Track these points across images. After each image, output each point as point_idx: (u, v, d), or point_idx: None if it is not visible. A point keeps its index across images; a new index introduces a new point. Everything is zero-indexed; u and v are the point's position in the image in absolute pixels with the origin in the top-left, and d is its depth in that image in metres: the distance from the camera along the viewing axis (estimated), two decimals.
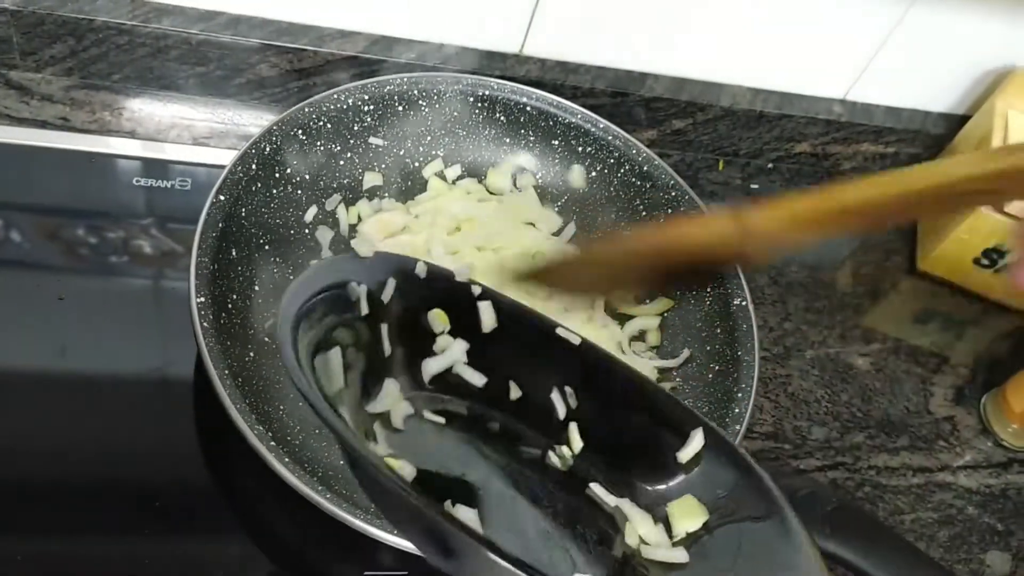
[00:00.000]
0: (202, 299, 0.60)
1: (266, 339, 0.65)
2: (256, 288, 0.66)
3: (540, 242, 0.76)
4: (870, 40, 0.89)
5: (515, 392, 0.51)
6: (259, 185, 0.68)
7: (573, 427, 0.49)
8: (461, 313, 0.50)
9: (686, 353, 0.72)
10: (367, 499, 0.48)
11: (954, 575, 0.71)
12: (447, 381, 0.51)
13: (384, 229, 0.74)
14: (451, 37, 0.83)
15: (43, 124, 0.76)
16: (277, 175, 0.69)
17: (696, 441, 0.46)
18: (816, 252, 0.91)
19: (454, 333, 0.50)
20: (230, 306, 0.63)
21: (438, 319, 0.50)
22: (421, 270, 0.50)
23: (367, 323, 0.48)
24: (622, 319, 0.74)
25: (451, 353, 0.50)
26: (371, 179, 0.76)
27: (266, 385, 0.63)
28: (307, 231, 0.72)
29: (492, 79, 0.77)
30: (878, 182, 0.39)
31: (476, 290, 0.50)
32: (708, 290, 0.73)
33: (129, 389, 0.65)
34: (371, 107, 0.74)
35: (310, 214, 0.72)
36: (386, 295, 0.49)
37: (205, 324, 0.59)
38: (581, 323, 0.71)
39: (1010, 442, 0.81)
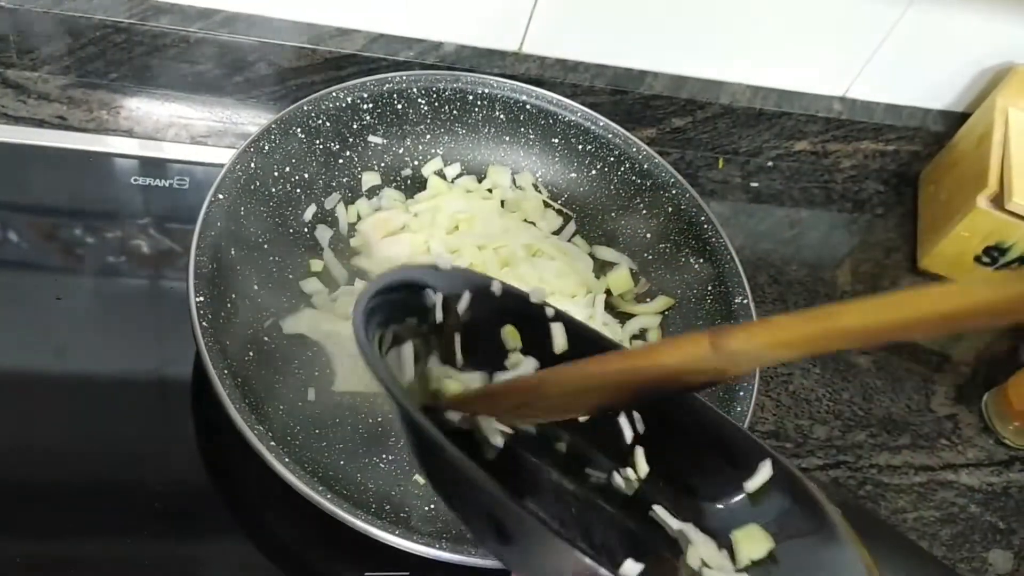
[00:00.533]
0: (201, 298, 0.59)
1: (265, 338, 0.65)
2: (255, 287, 0.66)
3: (540, 240, 0.76)
4: (870, 37, 0.89)
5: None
6: (258, 184, 0.68)
7: (639, 451, 0.49)
8: (531, 333, 0.50)
9: None
10: (431, 482, 0.48)
11: (957, 573, 0.71)
12: None
13: (383, 228, 0.74)
14: (450, 35, 0.83)
15: (40, 123, 0.76)
16: (276, 174, 0.69)
17: (764, 472, 0.46)
18: (816, 251, 0.91)
19: (524, 351, 0.50)
20: (229, 305, 0.63)
21: (511, 336, 0.50)
22: (496, 288, 0.50)
23: (439, 332, 0.48)
24: (623, 318, 0.74)
25: (522, 369, 0.50)
26: (370, 178, 0.75)
27: (266, 385, 0.62)
28: (306, 230, 0.71)
29: (492, 77, 0.77)
30: (879, 307, 0.34)
31: (549, 312, 0.50)
32: (709, 288, 0.73)
33: (127, 389, 0.64)
34: (370, 105, 0.74)
35: (309, 213, 0.72)
36: (461, 306, 0.49)
37: (204, 324, 0.58)
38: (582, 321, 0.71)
39: (1012, 440, 0.81)
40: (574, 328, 0.50)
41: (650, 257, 0.77)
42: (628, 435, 0.49)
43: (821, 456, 0.76)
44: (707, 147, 0.93)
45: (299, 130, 0.70)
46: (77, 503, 0.59)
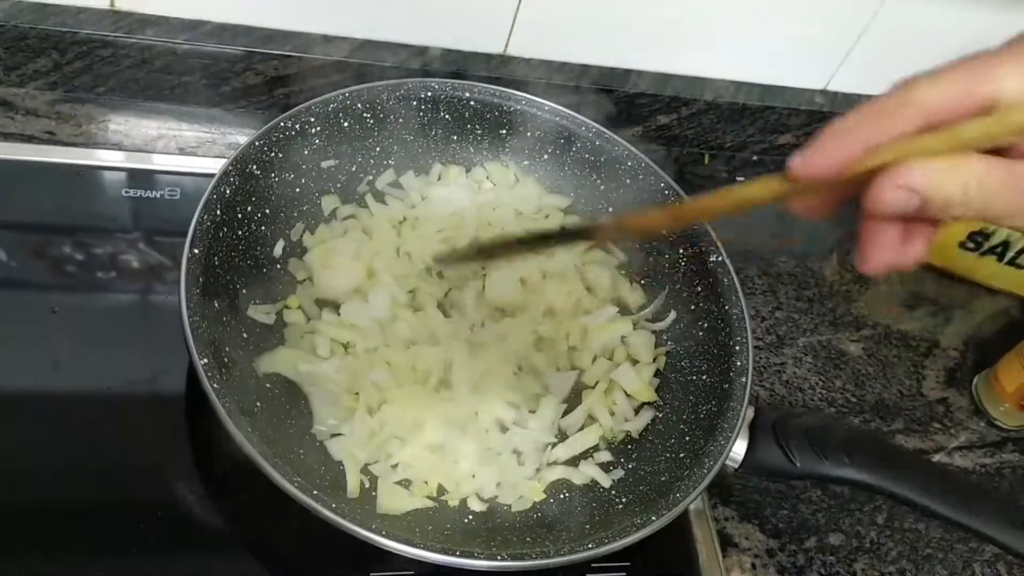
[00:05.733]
0: (196, 318, 0.58)
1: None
2: (244, 306, 0.66)
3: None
4: (849, 30, 0.90)
5: None
6: (225, 230, 0.65)
7: None
8: None
9: (673, 315, 0.73)
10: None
11: (971, 483, 0.73)
12: None
13: (327, 257, 0.71)
14: (435, 39, 0.83)
15: (29, 139, 0.76)
16: (240, 216, 0.66)
17: None
18: (804, 243, 0.92)
19: None
20: (223, 315, 0.63)
21: None
22: None
23: None
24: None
25: None
26: (330, 201, 0.74)
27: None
28: (279, 266, 0.69)
29: (432, 80, 0.75)
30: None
31: None
32: (680, 251, 0.74)
33: (123, 402, 0.64)
34: (318, 128, 0.71)
35: (279, 248, 0.70)
36: None
37: (197, 330, 0.58)
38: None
39: (1003, 421, 0.82)
40: None
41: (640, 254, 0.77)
42: None
43: None
44: (693, 143, 0.94)
45: (255, 167, 0.67)
46: (76, 517, 0.58)
